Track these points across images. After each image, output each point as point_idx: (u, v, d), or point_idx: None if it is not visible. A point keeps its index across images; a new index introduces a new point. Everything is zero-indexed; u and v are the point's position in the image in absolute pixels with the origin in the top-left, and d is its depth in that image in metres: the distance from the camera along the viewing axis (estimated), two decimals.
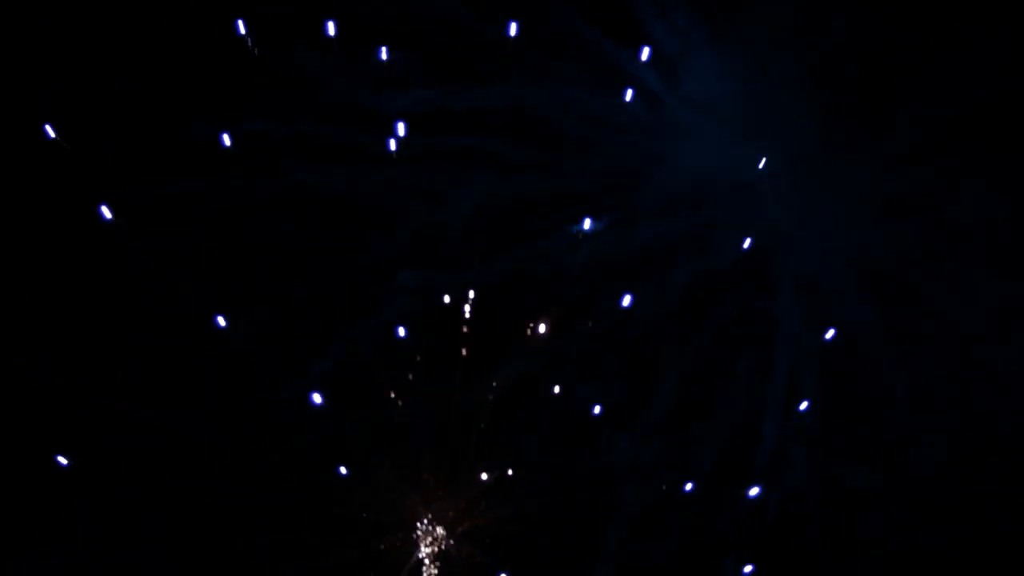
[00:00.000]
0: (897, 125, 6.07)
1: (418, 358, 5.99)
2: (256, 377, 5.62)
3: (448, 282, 5.68)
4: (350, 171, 6.09)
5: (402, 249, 5.89)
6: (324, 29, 4.96)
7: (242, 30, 5.66)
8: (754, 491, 5.75)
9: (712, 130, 6.32)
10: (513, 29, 5.93)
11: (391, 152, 6.04)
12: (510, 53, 6.16)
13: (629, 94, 5.96)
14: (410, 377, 5.88)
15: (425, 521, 5.86)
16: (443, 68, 6.26)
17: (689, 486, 5.97)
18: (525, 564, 5.78)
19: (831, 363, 6.06)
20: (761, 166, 6.13)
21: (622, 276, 5.74)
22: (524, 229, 5.63)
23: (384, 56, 5.82)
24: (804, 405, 5.14)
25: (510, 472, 5.75)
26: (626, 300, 5.71)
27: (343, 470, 5.60)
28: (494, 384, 5.72)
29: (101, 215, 5.12)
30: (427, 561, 5.79)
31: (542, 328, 5.53)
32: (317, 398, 5.36)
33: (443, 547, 5.81)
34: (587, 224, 5.23)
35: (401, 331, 5.90)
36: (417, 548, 5.86)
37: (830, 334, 5.35)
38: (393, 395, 5.87)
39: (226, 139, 5.64)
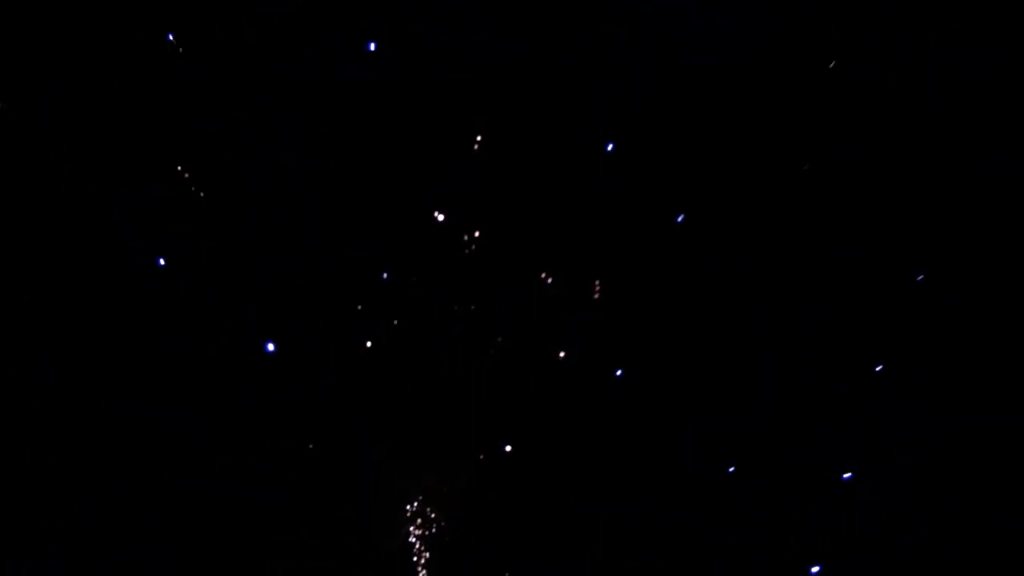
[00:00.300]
0: None
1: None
2: (257, 377, 5.66)
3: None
4: (350, 171, 6.13)
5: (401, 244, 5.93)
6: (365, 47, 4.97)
7: (242, 31, 5.69)
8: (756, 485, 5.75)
9: None
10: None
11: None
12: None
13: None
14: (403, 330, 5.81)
15: (416, 503, 5.89)
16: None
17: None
18: (521, 546, 5.80)
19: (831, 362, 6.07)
20: None
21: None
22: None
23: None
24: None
25: (508, 448, 5.74)
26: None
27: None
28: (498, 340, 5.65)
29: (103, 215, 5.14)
30: (420, 546, 5.81)
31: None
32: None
33: (436, 530, 5.83)
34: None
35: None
36: (409, 532, 5.89)
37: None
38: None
39: (226, 139, 5.67)
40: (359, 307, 5.20)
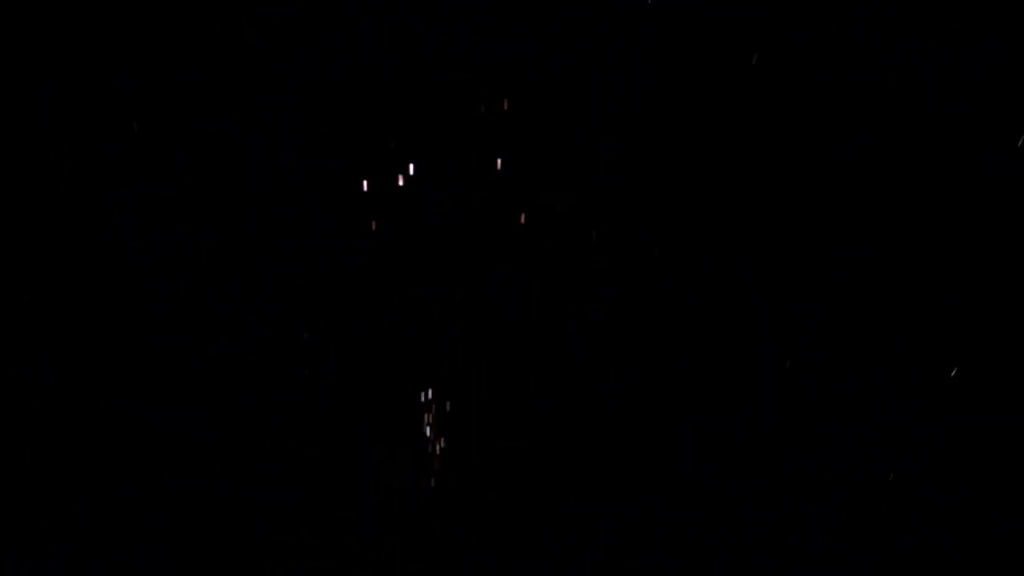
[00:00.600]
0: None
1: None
2: (257, 377, 5.66)
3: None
4: (350, 171, 6.14)
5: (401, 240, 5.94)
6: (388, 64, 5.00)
7: (242, 31, 5.69)
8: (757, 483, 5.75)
9: None
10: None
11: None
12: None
13: None
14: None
15: (416, 503, 5.88)
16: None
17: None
18: (521, 546, 5.80)
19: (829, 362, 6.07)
20: None
21: None
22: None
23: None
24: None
25: (508, 448, 5.74)
26: None
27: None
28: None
29: (104, 215, 5.14)
30: (420, 546, 5.81)
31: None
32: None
33: (436, 530, 5.83)
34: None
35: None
36: (409, 532, 5.89)
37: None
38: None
39: (226, 139, 5.67)
40: (359, 307, 5.21)
